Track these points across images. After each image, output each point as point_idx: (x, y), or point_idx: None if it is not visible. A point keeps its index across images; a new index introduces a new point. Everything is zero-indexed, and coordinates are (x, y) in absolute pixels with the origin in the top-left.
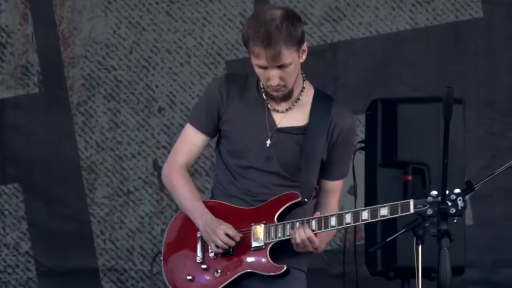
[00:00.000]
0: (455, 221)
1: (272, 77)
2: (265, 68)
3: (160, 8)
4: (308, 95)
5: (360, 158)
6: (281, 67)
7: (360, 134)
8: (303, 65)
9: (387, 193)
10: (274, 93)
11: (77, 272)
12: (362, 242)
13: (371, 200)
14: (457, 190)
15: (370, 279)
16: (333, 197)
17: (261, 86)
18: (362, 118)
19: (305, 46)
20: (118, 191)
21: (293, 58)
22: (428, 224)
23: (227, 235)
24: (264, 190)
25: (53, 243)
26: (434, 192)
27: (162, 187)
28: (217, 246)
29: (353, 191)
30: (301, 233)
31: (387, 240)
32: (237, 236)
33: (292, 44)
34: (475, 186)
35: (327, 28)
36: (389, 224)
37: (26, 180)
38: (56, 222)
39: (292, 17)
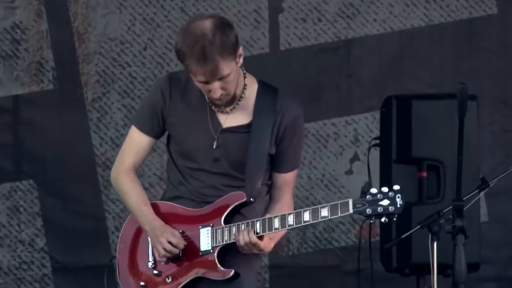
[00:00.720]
0: (395, 219)
1: (214, 90)
2: (205, 82)
3: (175, 5)
4: (251, 90)
5: (374, 155)
6: (220, 79)
7: (375, 130)
8: (318, 63)
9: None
10: (218, 102)
11: (92, 268)
12: (377, 238)
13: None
14: (396, 187)
15: (385, 275)
16: (287, 190)
17: None
18: (376, 114)
19: (240, 51)
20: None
21: (231, 67)
22: (443, 220)
23: (169, 243)
24: (214, 192)
25: (68, 240)
26: (374, 190)
27: None
28: (159, 254)
29: (367, 187)
30: (245, 237)
31: (402, 236)
32: (181, 243)
33: (227, 54)
34: (490, 183)
35: (341, 25)
36: (404, 221)
37: (41, 176)
38: (71, 219)
39: (222, 26)
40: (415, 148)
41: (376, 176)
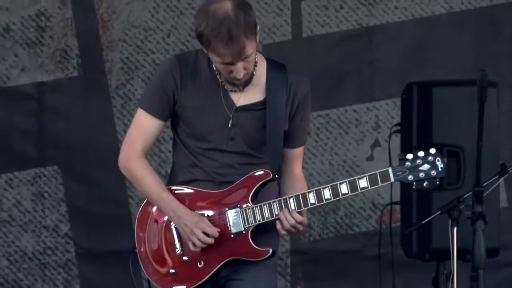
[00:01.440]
0: (437, 182)
1: (237, 70)
2: (229, 63)
3: None
4: (261, 67)
5: (396, 141)
6: (245, 59)
7: (396, 117)
8: (340, 50)
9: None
10: (237, 82)
11: (116, 254)
12: (398, 224)
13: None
14: (432, 150)
15: (405, 260)
16: (297, 163)
17: (214, 67)
18: (397, 101)
19: (258, 29)
20: (156, 173)
21: (253, 46)
22: (463, 206)
23: (204, 233)
24: (231, 171)
25: (92, 225)
26: (410, 156)
27: None
28: (194, 244)
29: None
30: (288, 217)
31: (423, 222)
32: (216, 233)
33: (251, 34)
34: (509, 169)
35: (363, 12)
36: (424, 206)
37: (65, 162)
38: (95, 204)
39: (243, 6)
40: (435, 134)
41: (397, 162)
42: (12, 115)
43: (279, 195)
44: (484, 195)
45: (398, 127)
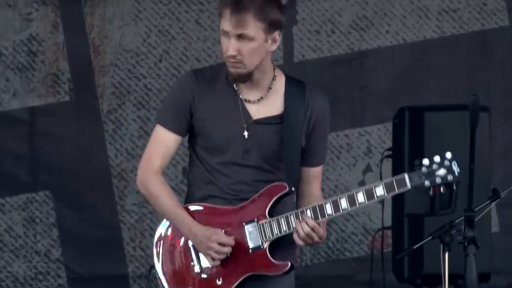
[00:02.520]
0: (455, 187)
1: (230, 47)
2: (227, 35)
3: (190, 17)
4: (279, 82)
5: (387, 165)
6: (241, 37)
7: (388, 141)
8: (331, 74)
9: (414, 200)
10: (231, 69)
11: (107, 279)
12: (389, 249)
13: (398, 207)
14: (448, 155)
15: (397, 286)
16: (317, 184)
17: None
18: (389, 125)
19: (277, 36)
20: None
21: (257, 34)
22: (455, 231)
23: (220, 244)
24: (245, 187)
25: (84, 250)
26: (426, 161)
27: None
28: (213, 258)
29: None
30: (305, 227)
31: (414, 247)
32: (231, 241)
33: (261, 19)
34: (501, 194)
35: (354, 37)
36: (416, 231)
37: (57, 187)
38: (87, 229)
39: (275, 0)
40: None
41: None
42: (3, 140)
43: None
44: (476, 220)
45: (390, 152)
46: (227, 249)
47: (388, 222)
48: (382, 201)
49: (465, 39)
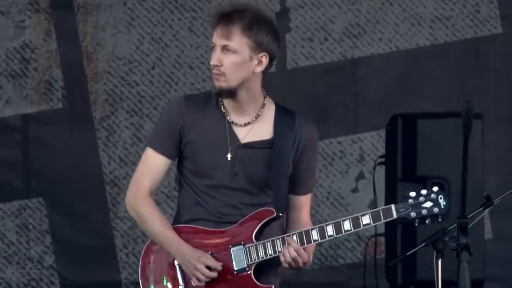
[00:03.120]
0: (440, 220)
1: (214, 57)
2: (214, 47)
3: (183, 24)
4: (269, 110)
5: (380, 173)
6: (225, 48)
7: (381, 149)
8: (324, 82)
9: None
10: (214, 82)
11: (101, 286)
12: (383, 255)
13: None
14: (435, 188)
15: None
16: (305, 212)
17: (220, 101)
18: (382, 133)
19: (264, 59)
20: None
21: (241, 48)
22: (448, 238)
23: (207, 267)
24: (233, 211)
25: (77, 257)
26: (412, 193)
27: None
28: (198, 279)
29: (373, 205)
30: (291, 251)
31: (407, 253)
32: (218, 266)
33: (246, 35)
34: (494, 200)
35: (347, 44)
36: (409, 238)
37: (50, 194)
38: (80, 236)
39: (263, 19)
40: (420, 166)
41: (381, 194)
42: None
43: None
44: (469, 226)
45: (383, 159)
46: (214, 274)
47: (381, 228)
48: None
49: (458, 47)
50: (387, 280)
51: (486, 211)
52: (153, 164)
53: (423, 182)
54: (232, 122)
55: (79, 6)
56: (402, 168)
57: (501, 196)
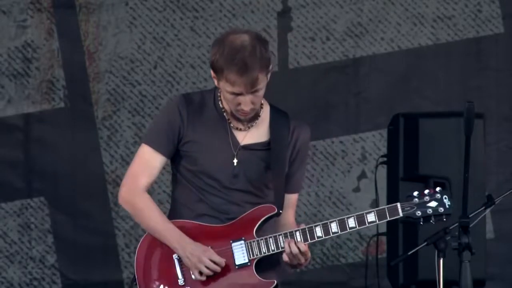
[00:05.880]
0: (444, 219)
1: (245, 103)
2: (238, 94)
3: (184, 24)
4: (265, 111)
5: (382, 172)
6: (254, 92)
7: (382, 148)
8: (326, 81)
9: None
10: (242, 117)
11: (102, 285)
12: (384, 255)
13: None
14: (439, 188)
15: None
16: (292, 210)
17: (221, 105)
18: (384, 132)
19: (271, 67)
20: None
21: (264, 82)
22: (449, 237)
23: (211, 261)
24: (236, 208)
25: (79, 256)
26: (416, 193)
27: None
28: (200, 273)
29: (375, 205)
30: (293, 247)
31: (409, 253)
32: (222, 261)
33: (265, 68)
34: (495, 200)
35: (349, 44)
36: (410, 237)
37: (52, 193)
38: (82, 235)
39: (262, 41)
40: (422, 165)
41: (383, 194)
42: None
43: None
44: (471, 226)
45: (385, 159)
46: (218, 268)
47: (383, 228)
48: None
49: (460, 46)
50: (388, 280)
51: (488, 210)
52: (151, 162)
53: (425, 181)
54: (235, 128)
55: (81, 5)
56: (404, 168)
57: (503, 196)
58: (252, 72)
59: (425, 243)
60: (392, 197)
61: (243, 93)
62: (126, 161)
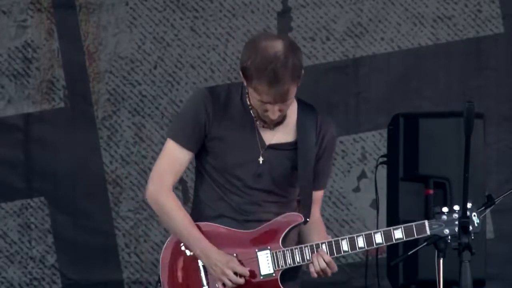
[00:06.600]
0: (473, 237)
1: (273, 111)
2: (266, 103)
3: (184, 24)
4: (292, 108)
5: (382, 172)
6: (284, 102)
7: (383, 148)
8: (326, 81)
9: (408, 207)
10: (269, 122)
11: (102, 285)
12: (384, 255)
13: (393, 214)
14: (468, 205)
15: None
16: (317, 208)
17: (248, 102)
18: (384, 132)
19: (302, 72)
20: (143, 205)
21: (295, 91)
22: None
23: (235, 272)
24: (256, 208)
25: (79, 256)
26: (445, 209)
27: (186, 200)
28: (224, 285)
29: (375, 205)
30: (321, 262)
31: (409, 253)
32: (246, 272)
33: (297, 78)
34: (495, 200)
35: (349, 44)
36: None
37: (52, 193)
38: (82, 235)
39: (295, 49)
40: (422, 165)
41: (383, 194)
42: None
43: (299, 237)
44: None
45: (385, 159)
46: (241, 280)
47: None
48: (377, 207)
49: (459, 46)
50: (388, 280)
51: (488, 210)
52: (177, 159)
53: (425, 181)
54: (258, 123)
55: (81, 5)
56: (403, 168)
57: (503, 196)
58: (283, 85)
59: (425, 243)
60: (392, 197)
61: (271, 103)
62: (126, 161)
